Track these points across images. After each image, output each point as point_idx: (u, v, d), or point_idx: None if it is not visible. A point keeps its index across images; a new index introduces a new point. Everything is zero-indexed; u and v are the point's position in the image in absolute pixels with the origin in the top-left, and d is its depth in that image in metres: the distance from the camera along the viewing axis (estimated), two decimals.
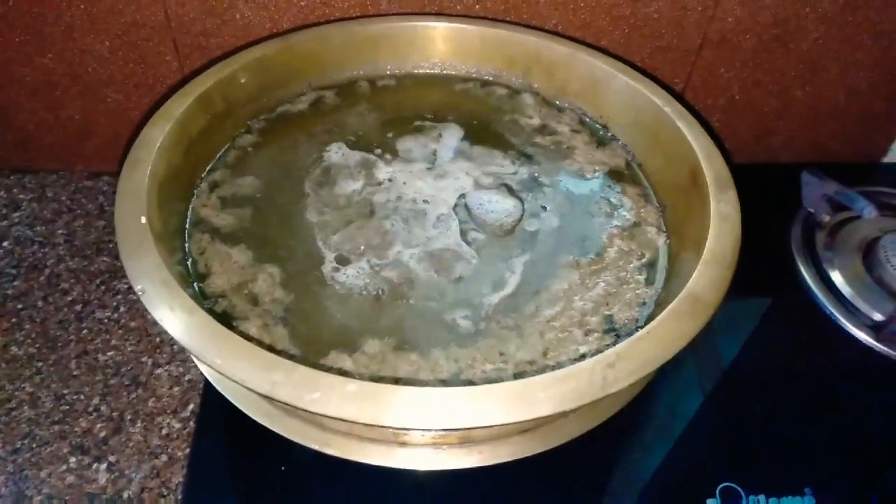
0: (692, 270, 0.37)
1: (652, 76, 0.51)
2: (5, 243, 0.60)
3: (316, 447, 0.35)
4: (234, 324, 0.39)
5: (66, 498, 0.44)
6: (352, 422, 0.29)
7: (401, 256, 0.43)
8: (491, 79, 0.57)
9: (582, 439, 0.37)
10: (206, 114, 0.47)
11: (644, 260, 0.44)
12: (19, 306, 0.55)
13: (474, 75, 0.57)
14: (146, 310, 0.54)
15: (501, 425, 0.29)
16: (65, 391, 0.49)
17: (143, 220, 0.37)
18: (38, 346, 0.52)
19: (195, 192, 0.46)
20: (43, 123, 0.63)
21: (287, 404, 0.29)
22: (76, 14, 0.56)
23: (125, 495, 0.44)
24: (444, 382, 0.36)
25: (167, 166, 0.42)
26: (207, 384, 0.46)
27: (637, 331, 0.39)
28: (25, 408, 0.48)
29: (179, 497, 0.43)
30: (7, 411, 0.48)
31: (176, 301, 0.33)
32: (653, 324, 0.33)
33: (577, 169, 0.50)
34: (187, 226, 0.44)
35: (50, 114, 0.63)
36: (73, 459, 0.46)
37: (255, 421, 0.37)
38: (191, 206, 0.45)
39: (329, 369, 0.36)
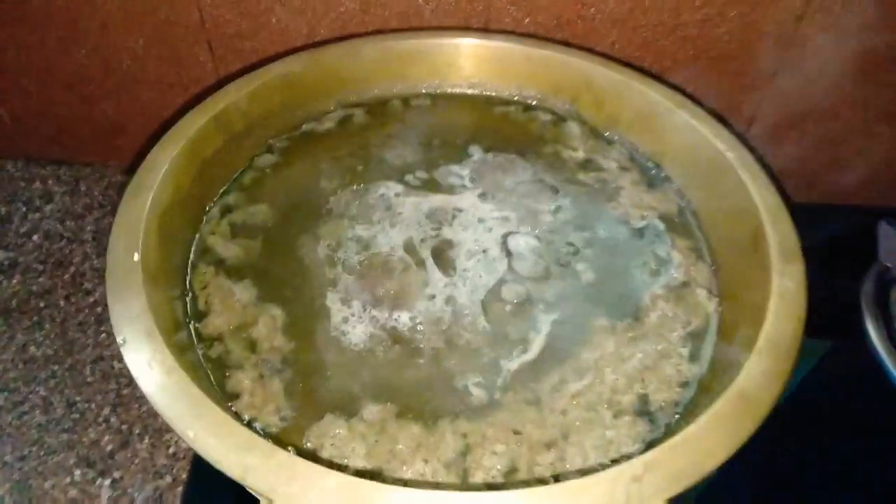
0: (744, 351, 0.32)
1: (717, 113, 0.45)
2: (35, 237, 0.61)
3: None
4: (227, 373, 0.36)
5: None
6: None
7: (415, 309, 0.39)
8: (534, 103, 0.52)
9: None
10: (223, 133, 0.44)
11: (690, 328, 0.38)
12: (42, 304, 0.55)
13: (517, 98, 0.52)
14: None
15: None
16: (77, 398, 0.50)
17: (137, 256, 0.34)
18: (55, 347, 0.53)
19: (204, 217, 0.43)
20: (77, 116, 0.64)
21: (259, 494, 0.26)
22: (111, 9, 0.55)
23: None
24: (446, 465, 0.32)
25: (174, 191, 0.39)
26: None
27: (675, 418, 0.34)
28: (37, 412, 0.49)
29: None
30: (19, 415, 0.49)
31: (156, 356, 0.30)
32: (691, 427, 0.28)
33: (622, 213, 0.44)
34: (192, 256, 0.41)
35: (84, 107, 0.63)
36: (78, 472, 0.46)
37: None
38: (198, 235, 0.42)
39: (321, 437, 0.33)
